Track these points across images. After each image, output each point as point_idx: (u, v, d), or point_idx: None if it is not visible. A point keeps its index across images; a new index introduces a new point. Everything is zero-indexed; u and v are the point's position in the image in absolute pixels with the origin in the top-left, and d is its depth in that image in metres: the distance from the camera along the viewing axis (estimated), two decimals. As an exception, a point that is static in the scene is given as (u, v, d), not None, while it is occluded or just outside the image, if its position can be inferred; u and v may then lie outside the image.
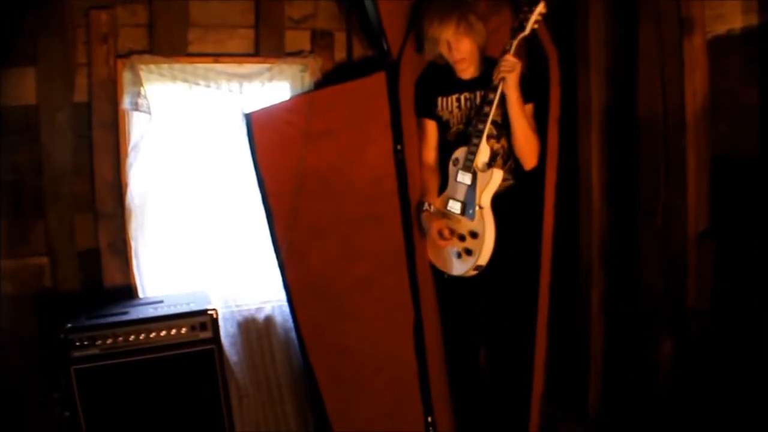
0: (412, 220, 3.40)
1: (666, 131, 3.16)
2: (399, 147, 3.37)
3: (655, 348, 3.26)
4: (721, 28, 2.97)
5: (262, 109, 3.41)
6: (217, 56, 3.61)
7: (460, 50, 3.22)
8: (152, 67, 3.48)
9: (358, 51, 3.87)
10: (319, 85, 3.74)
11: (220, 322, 3.21)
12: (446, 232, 3.23)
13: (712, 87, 3.05)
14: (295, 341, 3.63)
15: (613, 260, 3.58)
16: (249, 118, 3.33)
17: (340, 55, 3.87)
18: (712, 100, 3.05)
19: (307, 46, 3.81)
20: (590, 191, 3.59)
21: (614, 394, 3.58)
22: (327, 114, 3.37)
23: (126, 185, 3.49)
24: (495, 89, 3.09)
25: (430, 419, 3.50)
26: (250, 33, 3.70)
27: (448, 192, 3.31)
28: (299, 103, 3.48)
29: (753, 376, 2.83)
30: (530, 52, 3.43)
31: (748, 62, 2.90)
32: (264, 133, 3.35)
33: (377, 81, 3.38)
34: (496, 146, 3.31)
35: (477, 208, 3.17)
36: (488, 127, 3.15)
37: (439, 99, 3.40)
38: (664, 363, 3.22)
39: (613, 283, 3.60)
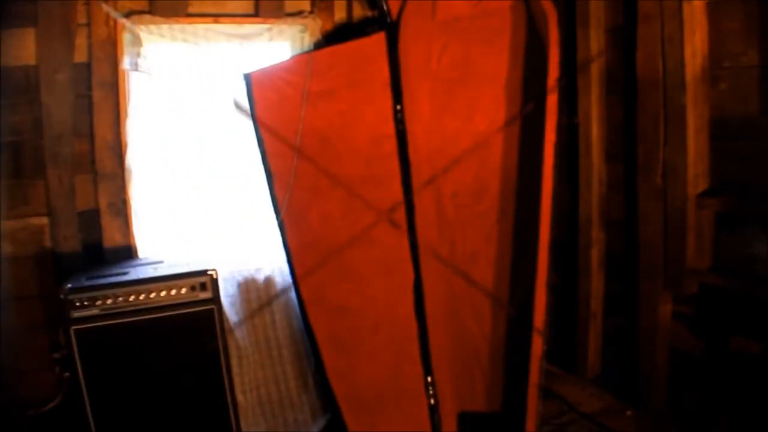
0: (411, 179, 3.30)
1: (666, 91, 3.08)
2: (398, 107, 3.27)
3: (654, 307, 3.22)
4: (721, -11, 2.91)
5: (262, 69, 3.29)
6: (216, 17, 3.49)
7: None
8: (152, 27, 3.35)
9: (358, 12, 3.74)
10: (318, 46, 3.63)
11: (220, 283, 3.11)
12: None
13: (711, 47, 2.98)
14: (295, 301, 3.55)
15: (612, 219, 3.53)
16: (248, 78, 3.22)
17: (340, 15, 3.75)
18: (711, 60, 2.98)
19: (307, 7, 3.68)
20: (590, 150, 3.52)
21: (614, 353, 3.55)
22: (326, 74, 3.27)
23: (126, 145, 3.37)
24: None
25: (429, 379, 3.41)
26: (251, -7, 3.59)
27: None
28: (299, 64, 3.35)
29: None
30: (528, 11, 3.32)
31: (748, 22, 2.83)
32: (263, 92, 3.24)
33: (377, 41, 3.27)
34: None
35: None
36: None
37: None
38: (663, 322, 3.17)
39: (612, 241, 3.55)
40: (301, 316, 3.42)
